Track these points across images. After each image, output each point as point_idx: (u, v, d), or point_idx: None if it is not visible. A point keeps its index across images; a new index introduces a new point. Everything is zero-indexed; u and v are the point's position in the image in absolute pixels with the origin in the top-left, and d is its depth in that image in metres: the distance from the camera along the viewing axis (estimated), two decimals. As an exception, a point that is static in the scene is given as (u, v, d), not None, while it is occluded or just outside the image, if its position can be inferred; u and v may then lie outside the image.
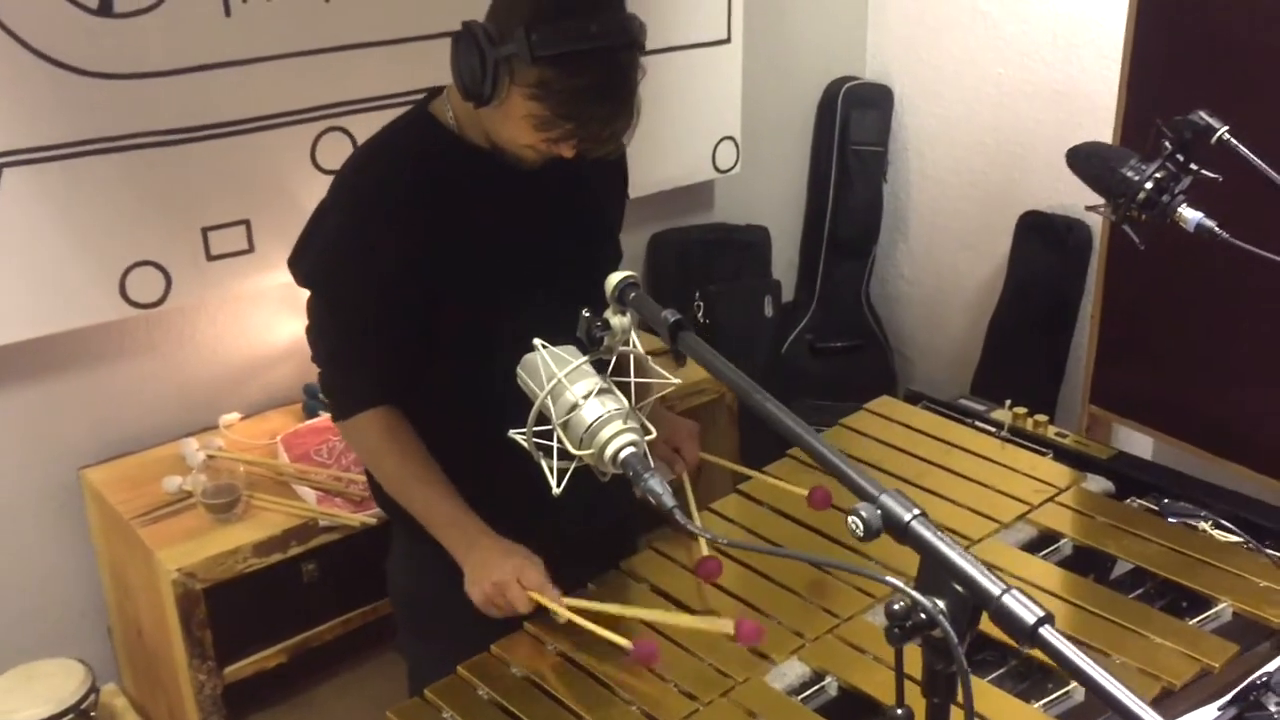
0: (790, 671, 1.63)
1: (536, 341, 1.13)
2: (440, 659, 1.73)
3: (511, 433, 1.14)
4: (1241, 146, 1.42)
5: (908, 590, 0.82)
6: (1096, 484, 2.05)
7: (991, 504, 1.98)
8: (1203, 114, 1.45)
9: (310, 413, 2.61)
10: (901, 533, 0.84)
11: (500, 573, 1.65)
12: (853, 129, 3.49)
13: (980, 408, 2.29)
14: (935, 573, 0.82)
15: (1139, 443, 2.90)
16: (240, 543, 2.23)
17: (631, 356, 1.12)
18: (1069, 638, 1.63)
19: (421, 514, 1.76)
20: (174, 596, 2.16)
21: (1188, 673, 1.59)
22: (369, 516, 2.28)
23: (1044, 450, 2.14)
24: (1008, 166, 3.33)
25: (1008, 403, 2.27)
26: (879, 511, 0.84)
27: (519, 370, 1.17)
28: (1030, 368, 3.22)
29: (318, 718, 2.52)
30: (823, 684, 1.62)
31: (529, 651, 1.70)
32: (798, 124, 3.55)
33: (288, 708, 2.49)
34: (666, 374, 1.17)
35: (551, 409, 1.11)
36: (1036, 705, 1.55)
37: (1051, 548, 1.90)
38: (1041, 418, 2.22)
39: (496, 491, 1.69)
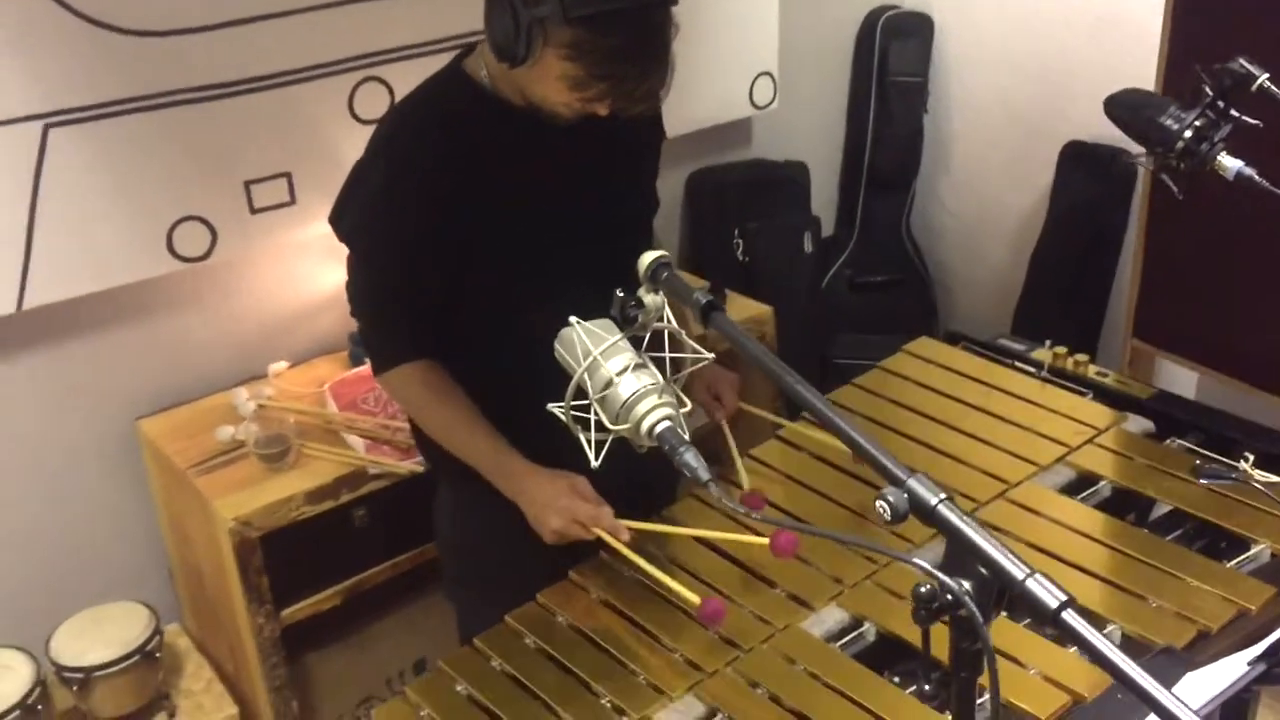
0: (829, 618, 1.67)
1: (572, 319, 1.16)
2: (487, 606, 1.78)
3: (550, 406, 1.17)
4: (1282, 94, 1.40)
5: (935, 572, 0.85)
6: (1137, 424, 2.05)
7: (1031, 446, 1.99)
8: (1243, 61, 1.43)
9: (356, 360, 2.65)
10: (928, 516, 0.86)
11: (562, 497, 1.68)
12: (892, 60, 3.44)
13: (1020, 347, 2.29)
14: (961, 555, 0.84)
15: (1183, 377, 2.89)
16: (293, 491, 2.29)
17: (666, 331, 1.14)
18: (1107, 582, 1.67)
19: (467, 458, 1.79)
20: (231, 544, 2.23)
21: (1224, 615, 1.61)
22: (415, 464, 2.33)
23: (1084, 390, 2.14)
24: (1051, 96, 3.27)
25: (1048, 342, 2.27)
26: (905, 495, 0.86)
27: (556, 345, 1.20)
28: (1073, 300, 3.20)
29: (371, 656, 2.60)
30: (861, 630, 1.65)
31: (575, 600, 1.75)
32: (836, 56, 3.51)
33: (343, 647, 2.57)
34: (700, 348, 1.19)
35: (588, 384, 1.14)
36: (1073, 649, 1.58)
37: (1091, 490, 1.91)
38: (1082, 357, 2.22)
39: (531, 450, 1.73)
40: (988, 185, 3.53)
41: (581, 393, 1.14)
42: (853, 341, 3.50)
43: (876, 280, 3.59)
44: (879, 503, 0.86)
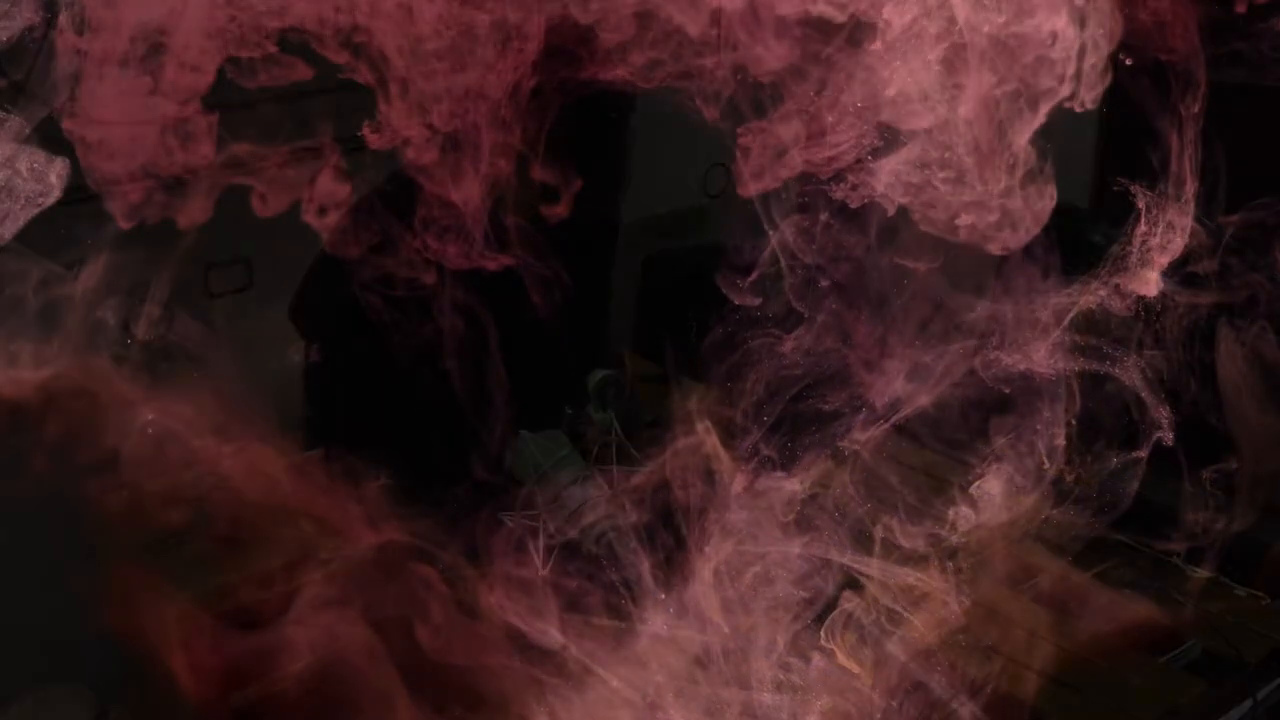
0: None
1: (523, 432, 1.20)
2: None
3: (502, 514, 1.20)
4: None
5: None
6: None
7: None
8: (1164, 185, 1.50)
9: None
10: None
11: None
12: (843, 149, 3.52)
13: (967, 439, 2.34)
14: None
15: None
16: (246, 573, 2.29)
17: (614, 444, 1.18)
18: (1043, 674, 1.71)
19: None
20: (182, 626, 2.22)
21: (1156, 710, 1.65)
22: (370, 547, 2.33)
23: (1025, 481, 2.19)
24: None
25: (991, 432, 2.32)
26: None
27: (507, 455, 1.23)
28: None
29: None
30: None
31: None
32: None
33: (297, 729, 2.54)
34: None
35: (539, 493, 1.17)
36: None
37: (1029, 582, 1.96)
38: (1022, 447, 2.27)
39: None
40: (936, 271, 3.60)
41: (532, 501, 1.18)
42: (806, 420, 3.54)
43: (831, 360, 3.64)
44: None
